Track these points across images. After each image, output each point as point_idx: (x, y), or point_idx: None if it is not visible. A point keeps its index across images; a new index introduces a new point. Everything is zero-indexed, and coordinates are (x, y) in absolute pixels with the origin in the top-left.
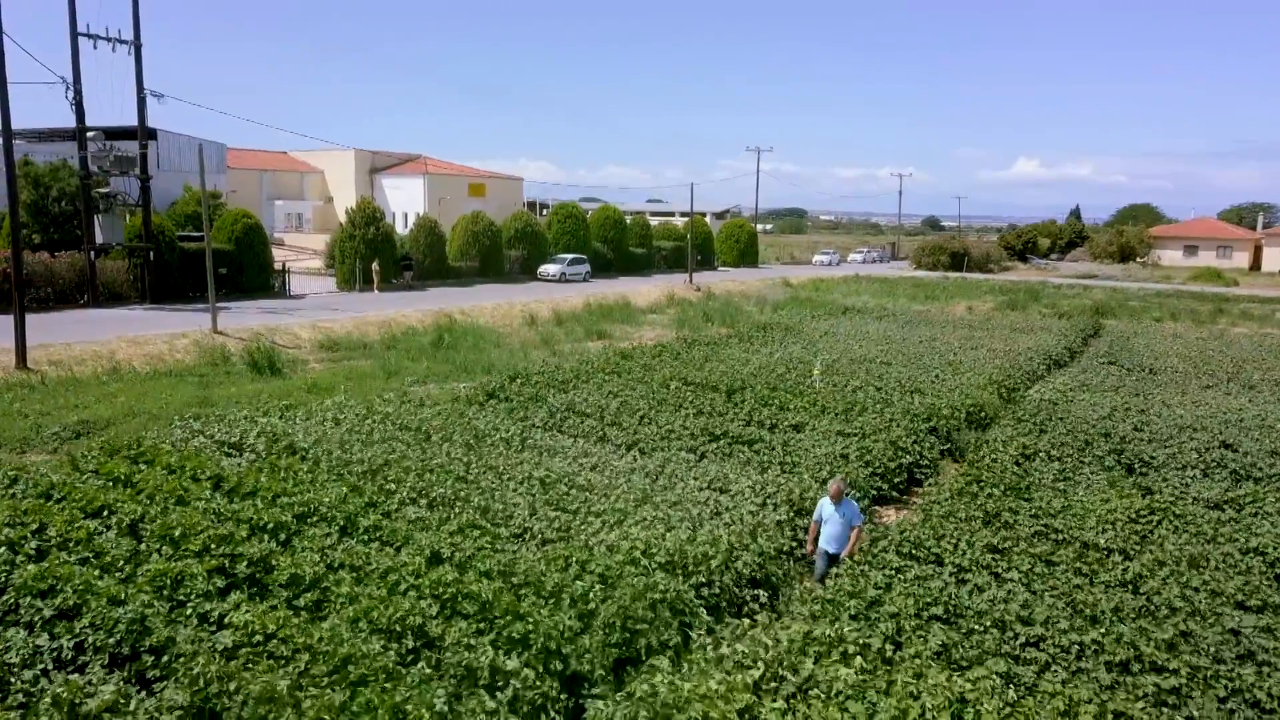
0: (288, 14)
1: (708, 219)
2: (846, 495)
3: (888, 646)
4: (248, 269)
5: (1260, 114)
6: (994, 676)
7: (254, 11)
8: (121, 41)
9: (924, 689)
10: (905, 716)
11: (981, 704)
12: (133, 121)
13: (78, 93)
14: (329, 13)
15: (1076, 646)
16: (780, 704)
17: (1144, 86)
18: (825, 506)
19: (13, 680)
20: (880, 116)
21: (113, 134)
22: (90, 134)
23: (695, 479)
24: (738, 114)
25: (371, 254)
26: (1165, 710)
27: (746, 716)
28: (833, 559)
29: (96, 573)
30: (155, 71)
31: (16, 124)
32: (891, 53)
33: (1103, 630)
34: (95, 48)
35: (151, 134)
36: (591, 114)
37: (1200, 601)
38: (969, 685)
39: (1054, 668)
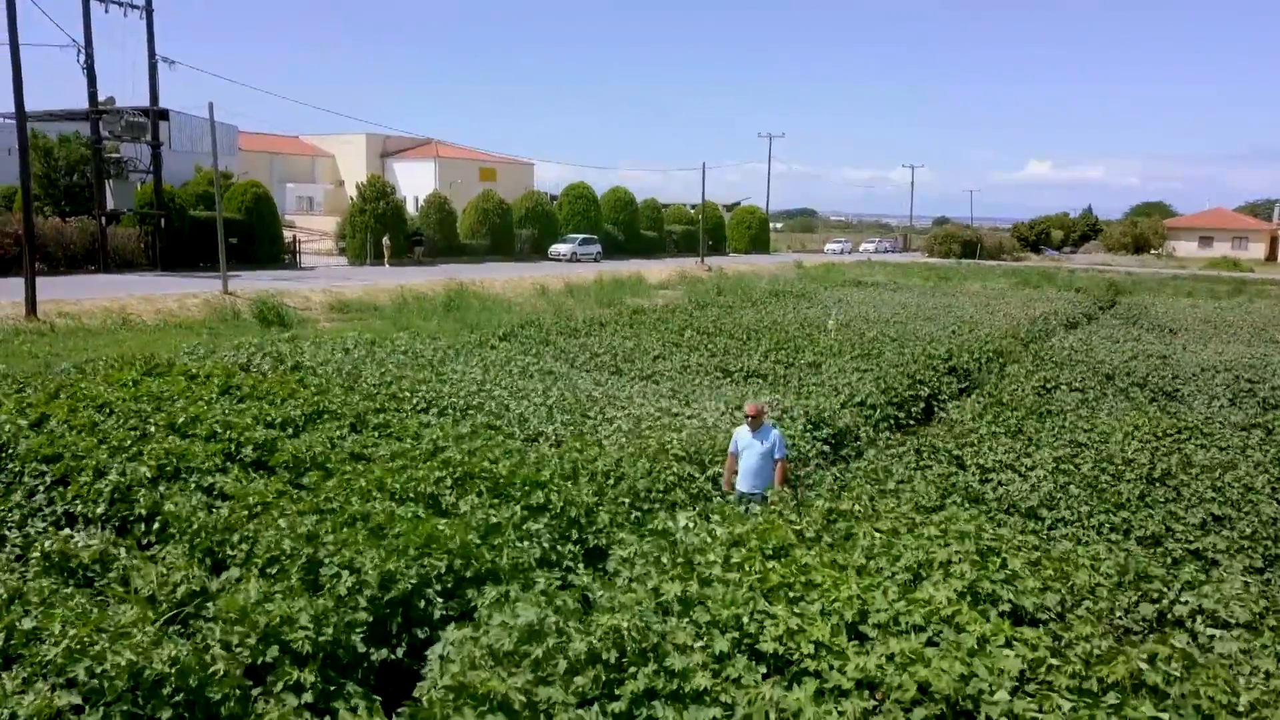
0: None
1: (719, 208)
2: (768, 421)
3: (915, 516)
4: (258, 240)
5: (1275, 117)
6: (1020, 538)
7: None
8: (133, 6)
9: (952, 538)
10: (933, 560)
11: (1007, 556)
12: (145, 101)
13: (89, 56)
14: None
15: (1107, 526)
16: (813, 553)
17: (1158, 88)
18: (741, 435)
19: (8, 534)
20: (891, 117)
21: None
22: (102, 99)
23: (711, 400)
24: (748, 114)
25: (382, 228)
26: (1198, 572)
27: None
28: (750, 502)
29: (97, 443)
30: (172, 73)
31: (29, 104)
32: (903, 52)
33: (1130, 512)
34: (107, 11)
35: (163, 114)
36: (600, 117)
37: (1232, 494)
38: (995, 539)
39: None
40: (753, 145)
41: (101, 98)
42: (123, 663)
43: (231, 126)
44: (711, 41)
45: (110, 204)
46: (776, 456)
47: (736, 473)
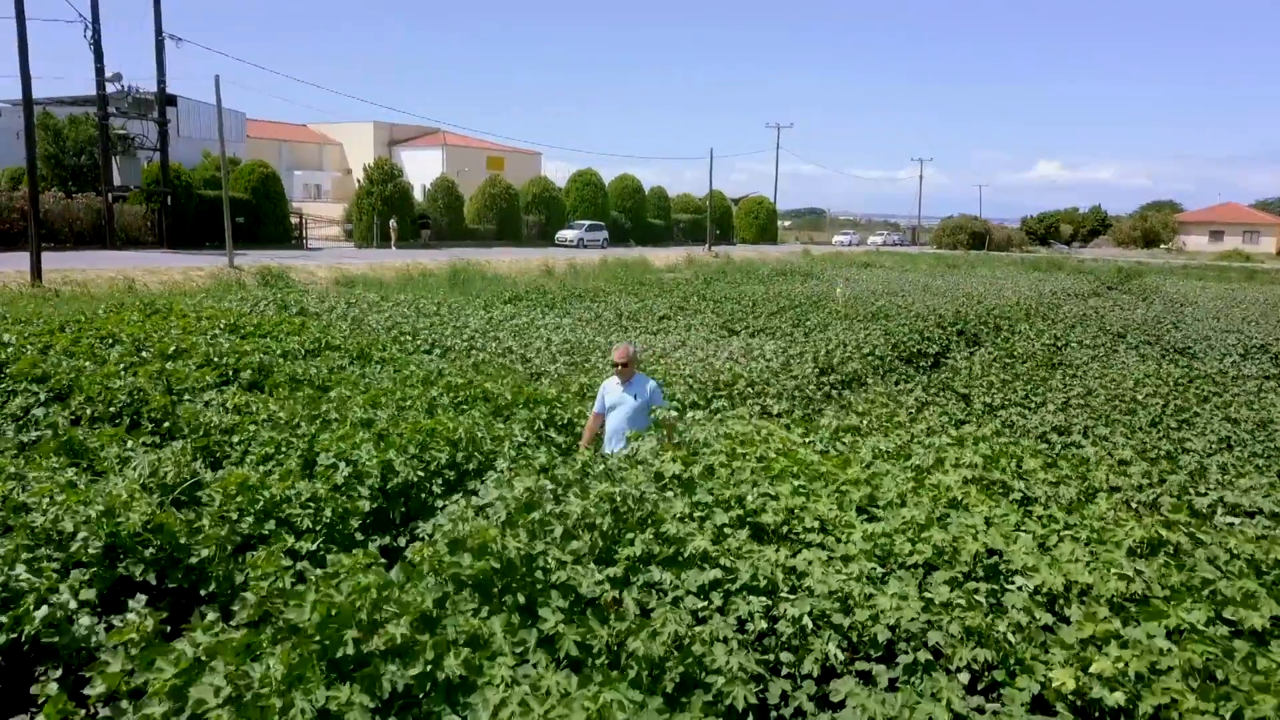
0: None
1: (726, 198)
2: (641, 369)
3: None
4: (265, 220)
5: None
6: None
7: None
8: None
9: (968, 444)
10: (945, 460)
11: (1025, 459)
12: (153, 84)
13: (96, 31)
14: None
15: (1122, 447)
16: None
17: (1169, 89)
18: (608, 389)
19: (7, 435)
20: (900, 118)
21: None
22: (109, 76)
23: (717, 348)
24: (757, 112)
25: (389, 211)
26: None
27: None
28: None
29: (92, 364)
30: (179, 54)
31: (37, 89)
32: (912, 49)
33: (1144, 435)
34: None
35: (171, 100)
36: (606, 117)
37: (1248, 425)
38: (1013, 445)
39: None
40: (761, 141)
41: (108, 74)
42: (94, 515)
43: (239, 113)
44: (719, 40)
45: (117, 180)
46: (656, 405)
47: (597, 439)
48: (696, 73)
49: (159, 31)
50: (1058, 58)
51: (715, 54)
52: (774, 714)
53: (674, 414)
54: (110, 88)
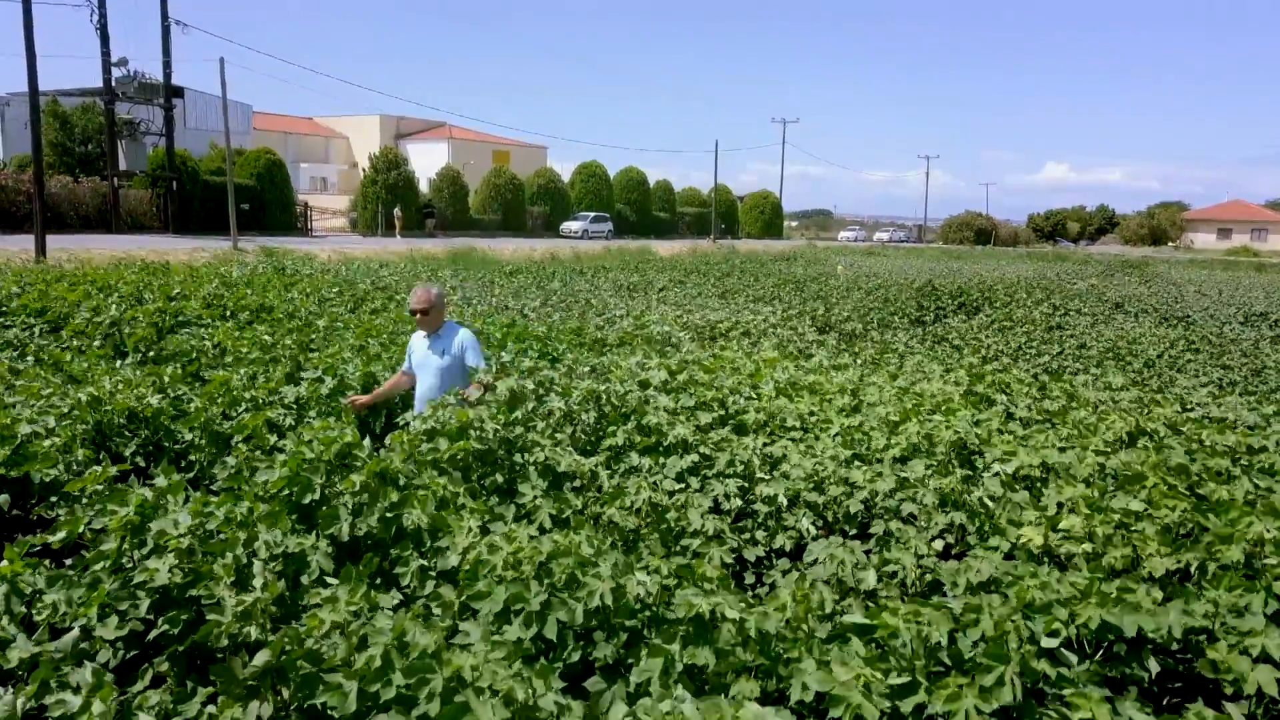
0: None
1: (731, 192)
2: (451, 318)
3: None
4: (270, 207)
5: None
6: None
7: None
8: None
9: (956, 369)
10: (932, 380)
11: (1012, 387)
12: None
13: (102, 15)
14: None
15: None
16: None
17: (1179, 90)
18: (415, 344)
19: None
20: (908, 119)
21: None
22: (116, 60)
23: (716, 312)
24: (763, 110)
25: (394, 199)
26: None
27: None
28: None
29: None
30: (186, 42)
31: (44, 81)
32: (920, 51)
33: (1137, 375)
34: None
35: (178, 91)
36: (611, 115)
37: (1242, 372)
38: (1001, 373)
39: None
40: (768, 138)
41: (114, 58)
42: (84, 398)
43: (245, 105)
44: (728, 38)
45: (123, 166)
46: (471, 363)
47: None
48: (704, 72)
49: (165, 16)
50: (1066, 59)
51: (723, 53)
52: (750, 594)
53: (489, 376)
54: (117, 72)
